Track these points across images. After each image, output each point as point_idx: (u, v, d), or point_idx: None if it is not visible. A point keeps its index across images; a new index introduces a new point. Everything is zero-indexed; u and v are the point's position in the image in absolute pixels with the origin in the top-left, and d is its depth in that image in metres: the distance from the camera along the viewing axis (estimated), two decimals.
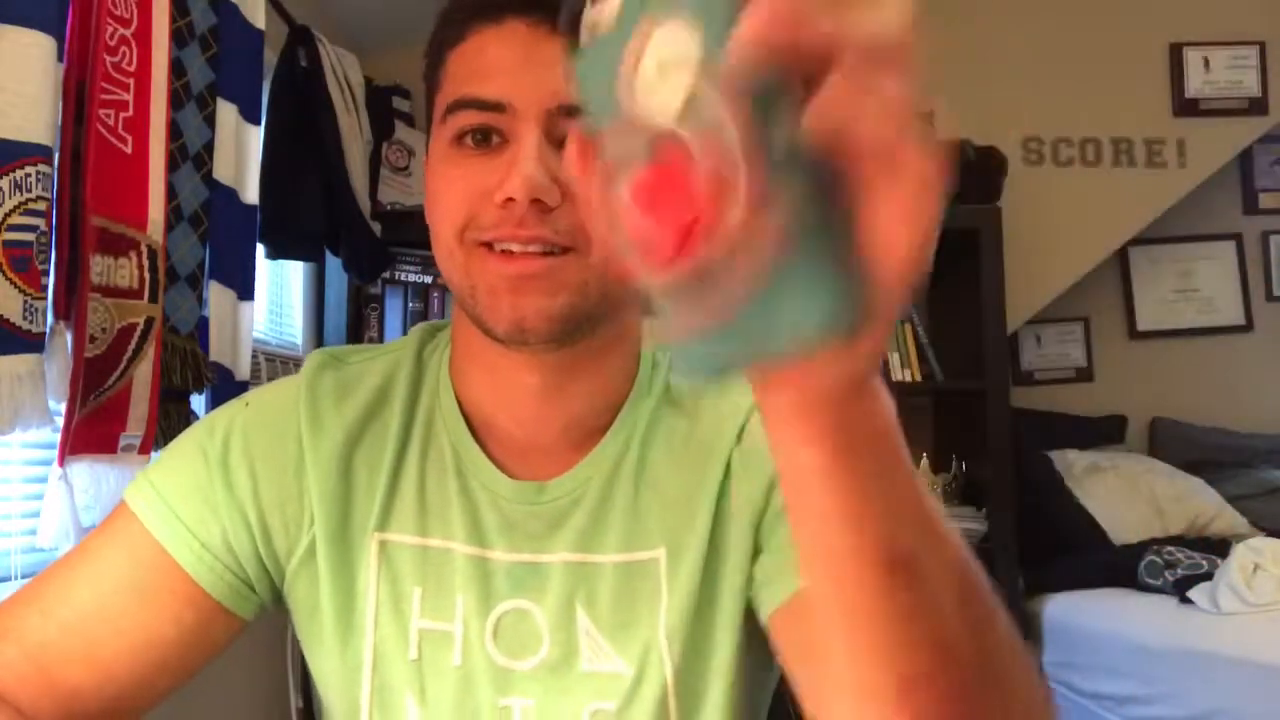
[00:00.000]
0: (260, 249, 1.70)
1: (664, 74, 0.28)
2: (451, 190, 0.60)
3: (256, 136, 1.56)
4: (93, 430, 1.11)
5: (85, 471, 1.09)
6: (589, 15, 0.31)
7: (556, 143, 0.57)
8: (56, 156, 1.05)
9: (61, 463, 1.05)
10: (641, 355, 0.68)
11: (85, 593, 0.61)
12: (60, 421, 1.05)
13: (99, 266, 1.11)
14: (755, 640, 0.63)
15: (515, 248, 0.57)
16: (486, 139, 0.59)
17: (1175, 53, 2.82)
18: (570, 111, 0.57)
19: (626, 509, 0.64)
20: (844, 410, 0.33)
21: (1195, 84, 2.80)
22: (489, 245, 0.58)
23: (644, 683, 0.62)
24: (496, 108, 0.58)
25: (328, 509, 0.64)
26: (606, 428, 0.66)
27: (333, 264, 2.12)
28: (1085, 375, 2.97)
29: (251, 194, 1.54)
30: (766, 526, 0.63)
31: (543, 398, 0.64)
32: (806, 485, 0.35)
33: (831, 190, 0.27)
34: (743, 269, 0.27)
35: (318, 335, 2.23)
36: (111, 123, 1.14)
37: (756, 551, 0.63)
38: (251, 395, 0.69)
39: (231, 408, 0.67)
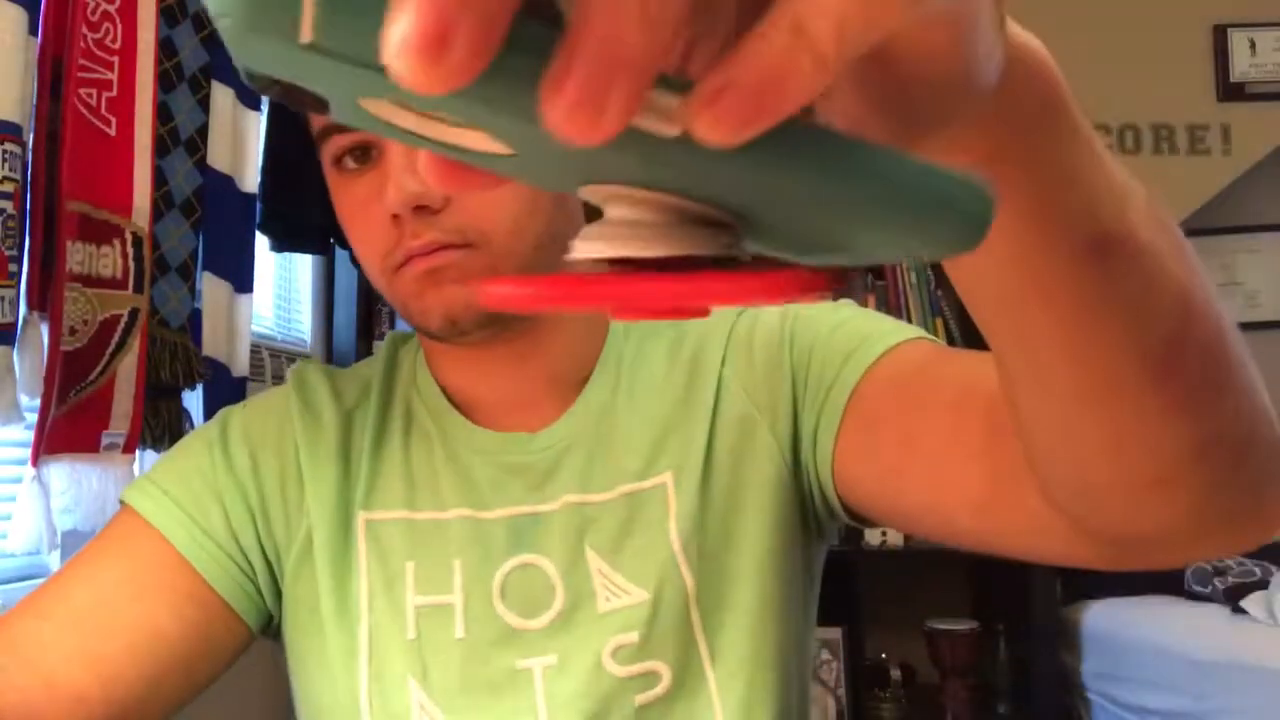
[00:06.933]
0: (264, 241, 1.64)
1: None
2: (354, 223, 0.61)
3: (256, 122, 1.50)
4: (73, 428, 1.04)
5: (64, 472, 1.03)
6: None
7: None
8: (31, 137, 0.99)
9: (35, 463, 0.98)
10: None
11: (82, 591, 0.60)
12: (34, 419, 0.98)
13: (79, 255, 1.04)
14: (797, 523, 0.62)
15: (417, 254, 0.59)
16: (366, 154, 0.59)
17: (1219, 34, 2.69)
18: None
19: (624, 443, 0.63)
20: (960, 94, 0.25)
21: (1241, 67, 2.68)
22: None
23: (663, 602, 0.60)
24: None
25: (320, 494, 0.64)
26: (589, 378, 0.66)
27: (343, 258, 2.05)
28: None
29: (250, 182, 1.48)
30: (801, 378, 0.62)
31: (518, 363, 0.65)
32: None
33: None
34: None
35: (327, 331, 2.17)
36: (93, 103, 1.08)
37: (795, 414, 0.62)
38: (246, 401, 0.71)
39: (226, 409, 0.69)
